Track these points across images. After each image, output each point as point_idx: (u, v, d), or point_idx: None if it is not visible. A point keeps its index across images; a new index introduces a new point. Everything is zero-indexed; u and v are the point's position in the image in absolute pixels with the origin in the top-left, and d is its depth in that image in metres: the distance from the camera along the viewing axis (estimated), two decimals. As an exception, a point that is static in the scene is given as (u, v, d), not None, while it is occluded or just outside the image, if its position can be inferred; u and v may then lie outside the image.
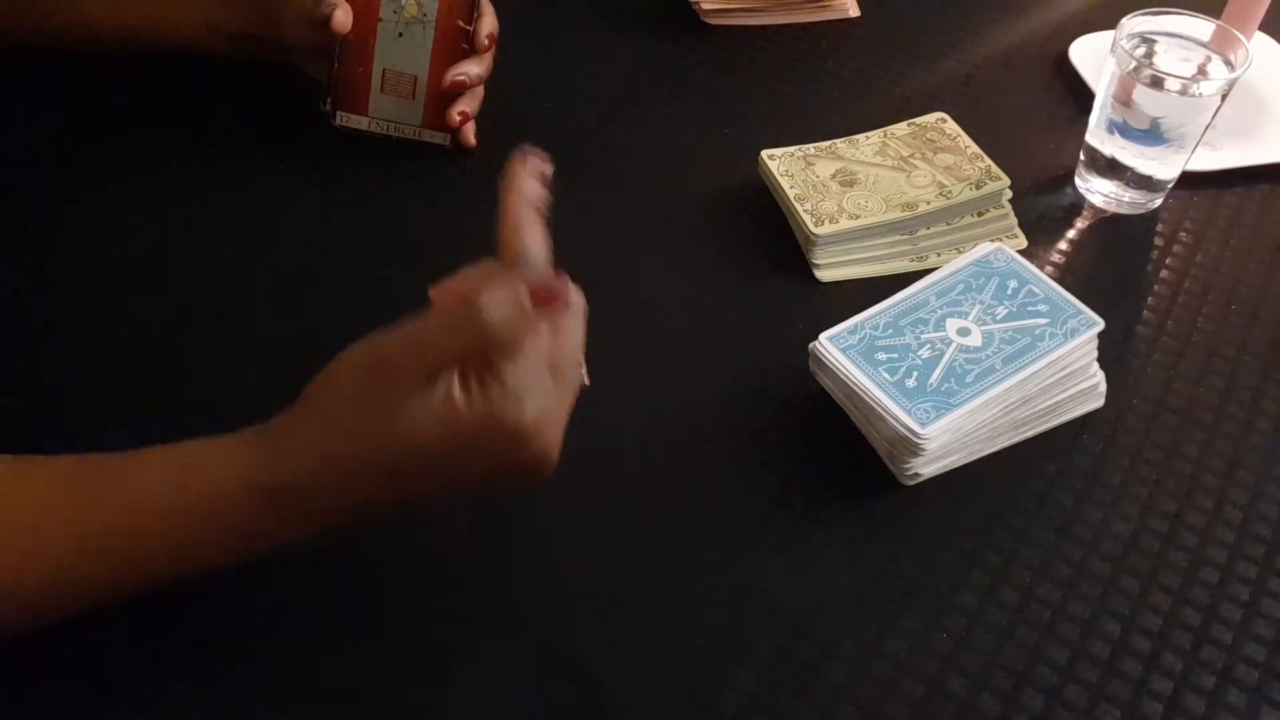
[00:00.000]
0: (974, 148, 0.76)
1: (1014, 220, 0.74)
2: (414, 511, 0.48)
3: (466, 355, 0.45)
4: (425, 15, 0.72)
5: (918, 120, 0.78)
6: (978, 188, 0.72)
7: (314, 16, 0.72)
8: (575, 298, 0.50)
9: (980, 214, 0.73)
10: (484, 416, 0.45)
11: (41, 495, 0.48)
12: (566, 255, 0.73)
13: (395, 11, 0.72)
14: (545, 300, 0.48)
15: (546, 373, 0.47)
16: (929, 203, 0.71)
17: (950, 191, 0.72)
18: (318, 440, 0.46)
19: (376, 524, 0.48)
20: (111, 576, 0.47)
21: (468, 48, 0.74)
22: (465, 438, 0.45)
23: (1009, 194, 0.73)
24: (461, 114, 0.75)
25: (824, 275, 0.71)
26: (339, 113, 0.77)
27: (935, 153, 0.75)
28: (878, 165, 0.74)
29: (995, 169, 0.73)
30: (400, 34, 0.73)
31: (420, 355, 0.45)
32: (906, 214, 0.71)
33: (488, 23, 0.75)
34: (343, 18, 0.71)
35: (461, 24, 0.72)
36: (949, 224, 0.72)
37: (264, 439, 0.47)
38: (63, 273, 0.69)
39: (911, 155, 0.75)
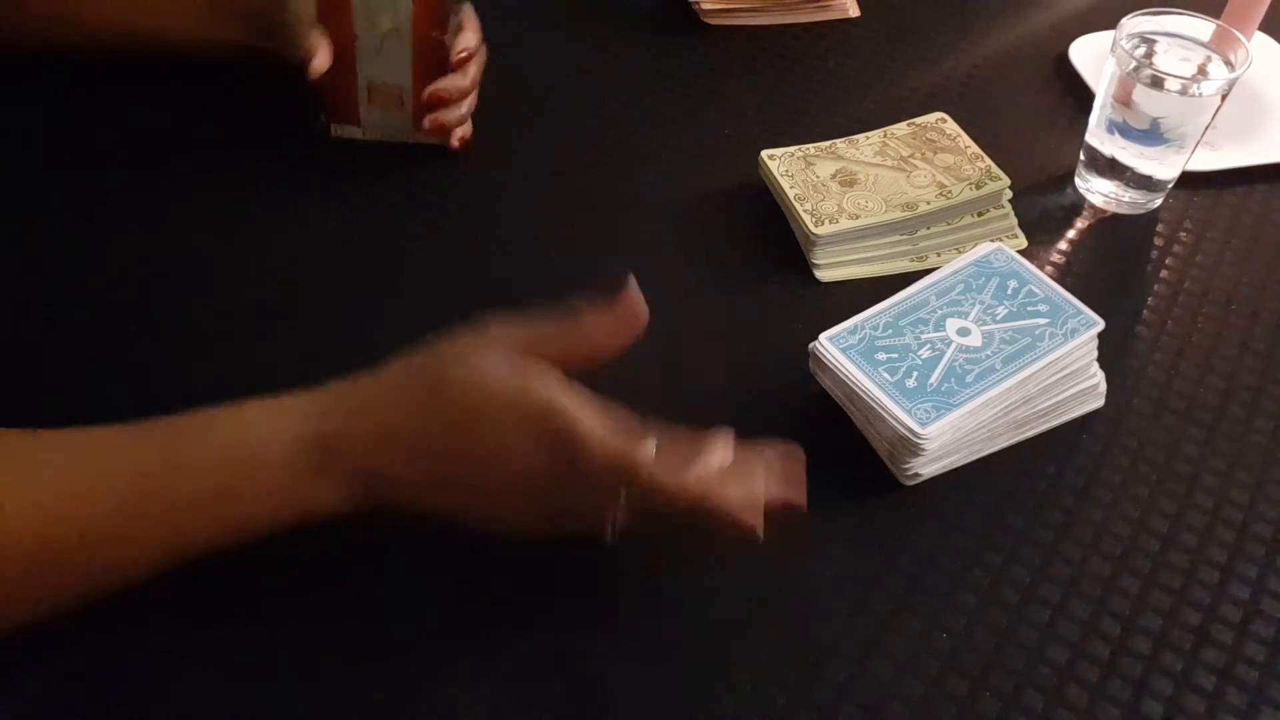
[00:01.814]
0: (974, 148, 0.76)
1: (1014, 220, 0.74)
2: (459, 514, 0.51)
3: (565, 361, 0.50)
4: (400, 28, 0.72)
5: (918, 120, 0.78)
6: (978, 188, 0.72)
7: (300, 50, 0.71)
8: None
9: (980, 214, 0.73)
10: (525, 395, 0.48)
11: (103, 459, 0.49)
12: (566, 255, 0.73)
13: (371, 26, 0.72)
14: None
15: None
16: (929, 203, 0.71)
17: (950, 191, 0.72)
18: (375, 405, 0.49)
19: (419, 516, 0.50)
20: (165, 538, 0.49)
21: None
22: (502, 404, 0.48)
23: (1009, 194, 0.73)
24: (433, 121, 0.74)
25: (824, 275, 0.71)
26: (333, 124, 0.77)
27: (935, 153, 0.75)
28: (878, 165, 0.74)
29: (995, 169, 0.74)
30: (379, 48, 0.73)
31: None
32: (906, 214, 0.71)
33: (466, 37, 0.74)
34: (319, 65, 0.71)
35: (437, 35, 0.72)
36: (949, 224, 0.72)
37: (324, 393, 0.50)
38: (60, 279, 0.69)
39: (911, 155, 0.75)
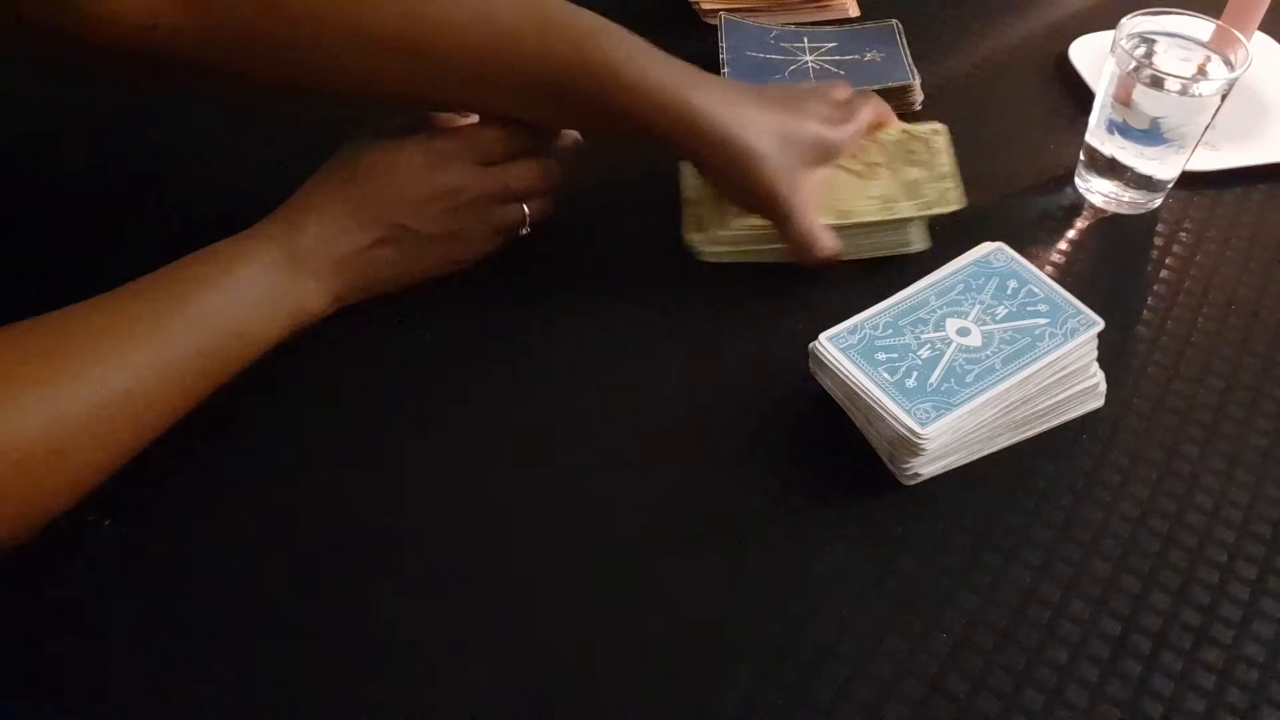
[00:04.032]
0: (949, 167, 0.72)
1: (914, 235, 0.72)
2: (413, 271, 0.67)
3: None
4: None
5: (912, 128, 0.75)
6: (924, 208, 0.69)
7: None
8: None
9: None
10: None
11: (102, 323, 0.56)
12: (566, 255, 0.73)
13: None
14: None
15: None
16: (866, 215, 0.69)
17: (893, 208, 0.69)
18: (316, 203, 0.64)
19: (388, 288, 0.67)
20: (177, 385, 0.57)
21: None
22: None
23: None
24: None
25: (705, 255, 0.72)
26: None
27: (909, 165, 0.72)
28: (842, 168, 0.71)
29: (956, 193, 0.70)
30: None
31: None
32: (836, 220, 0.68)
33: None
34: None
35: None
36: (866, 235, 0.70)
37: (281, 211, 0.64)
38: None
39: (883, 163, 0.72)
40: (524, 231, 0.70)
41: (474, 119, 0.68)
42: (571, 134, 0.72)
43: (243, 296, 0.60)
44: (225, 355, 0.59)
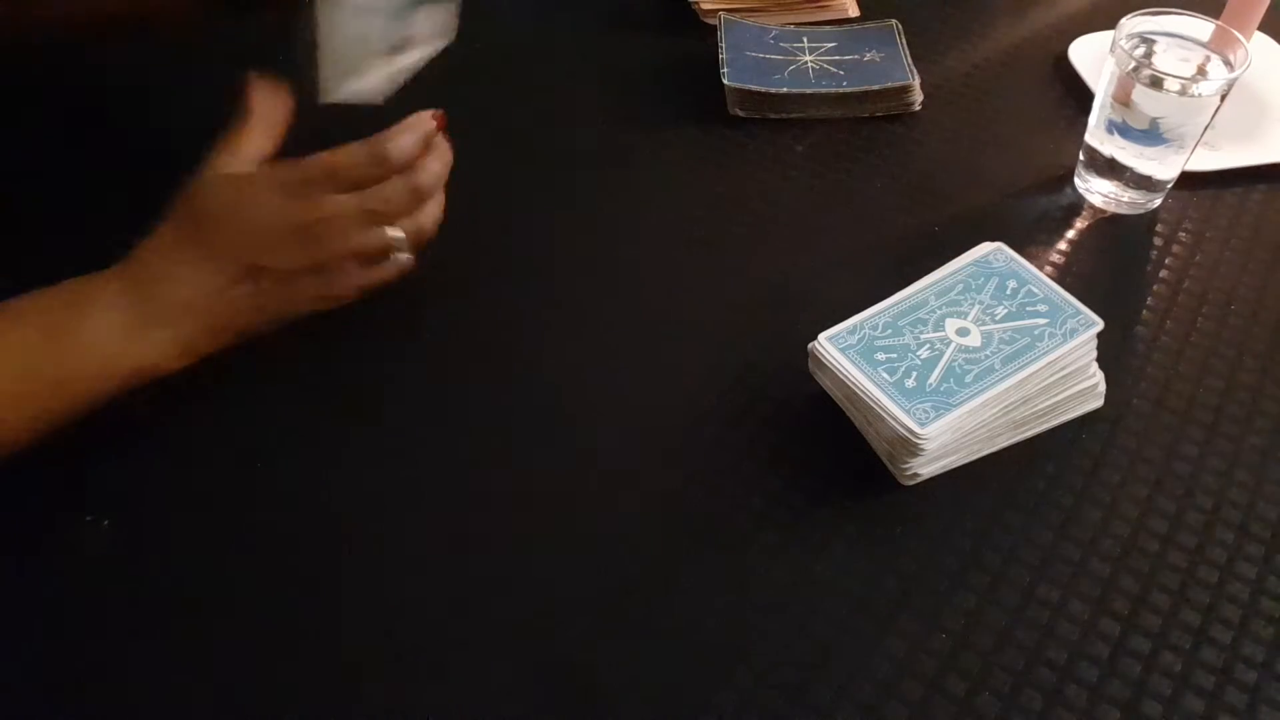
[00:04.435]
0: None
1: None
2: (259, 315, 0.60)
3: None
4: None
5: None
6: None
7: None
8: None
9: None
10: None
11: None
12: (567, 255, 0.73)
13: None
14: None
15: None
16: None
17: None
18: (174, 236, 0.59)
19: (255, 330, 0.60)
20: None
21: None
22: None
23: None
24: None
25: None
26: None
27: None
28: None
29: None
30: None
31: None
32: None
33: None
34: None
35: None
36: None
37: (134, 253, 0.59)
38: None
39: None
40: (404, 258, 0.62)
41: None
42: (441, 148, 0.64)
43: (71, 344, 0.56)
44: (38, 403, 0.55)
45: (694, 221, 0.76)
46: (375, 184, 0.61)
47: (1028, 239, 0.75)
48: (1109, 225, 0.77)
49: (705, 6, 0.93)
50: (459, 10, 0.69)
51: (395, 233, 0.61)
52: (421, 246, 0.63)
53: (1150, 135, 0.73)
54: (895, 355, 0.60)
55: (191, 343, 0.59)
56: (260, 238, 0.59)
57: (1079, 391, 0.62)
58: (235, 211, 0.60)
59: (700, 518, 0.59)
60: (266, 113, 0.63)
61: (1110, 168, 0.76)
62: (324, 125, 0.62)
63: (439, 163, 0.63)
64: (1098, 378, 0.63)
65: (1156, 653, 0.54)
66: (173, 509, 0.59)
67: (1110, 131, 0.75)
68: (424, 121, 0.62)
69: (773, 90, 0.83)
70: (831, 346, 0.61)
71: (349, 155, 0.60)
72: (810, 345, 0.62)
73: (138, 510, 0.58)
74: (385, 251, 0.62)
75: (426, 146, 0.62)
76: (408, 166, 0.61)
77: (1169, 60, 0.73)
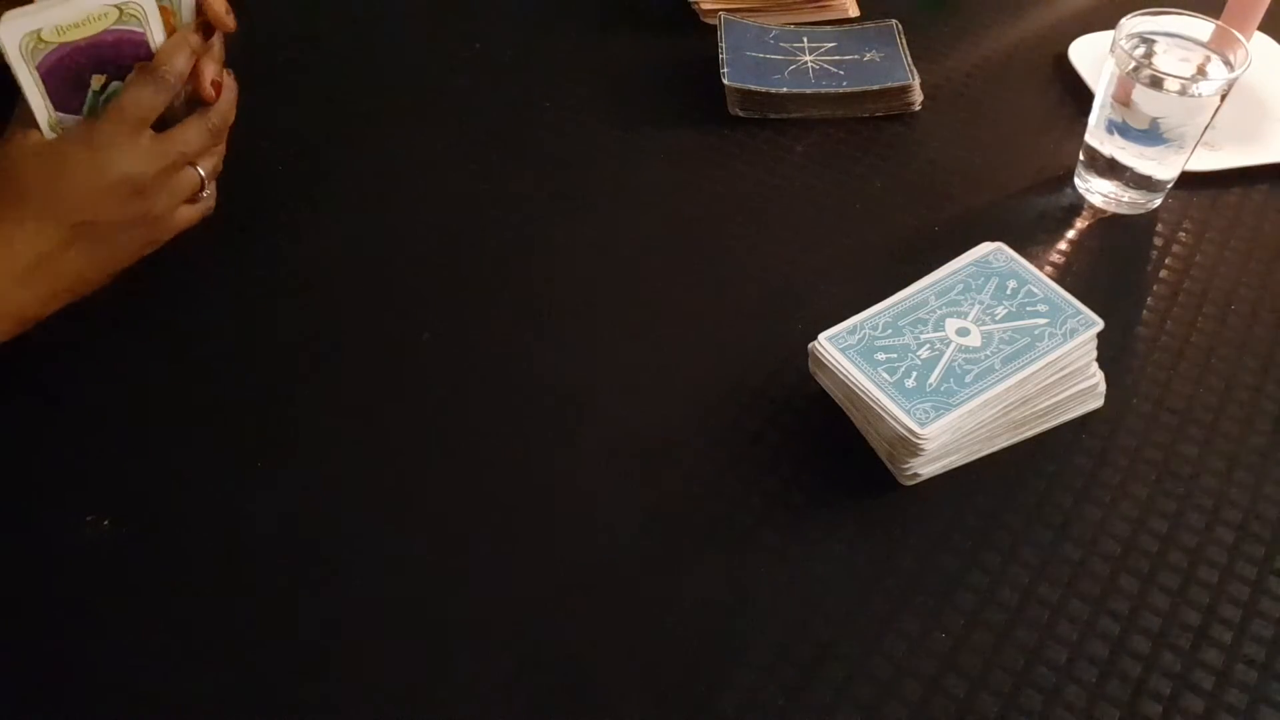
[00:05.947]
0: None
1: None
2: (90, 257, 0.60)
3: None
4: None
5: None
6: None
7: None
8: None
9: None
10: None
11: None
12: (567, 255, 0.73)
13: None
14: None
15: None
16: None
17: None
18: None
19: (88, 289, 0.61)
20: None
21: None
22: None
23: None
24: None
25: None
26: None
27: None
28: None
29: None
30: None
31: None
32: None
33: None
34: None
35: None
36: None
37: None
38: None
39: None
40: (205, 194, 0.65)
41: None
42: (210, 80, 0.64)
43: None
44: None
45: (694, 221, 0.76)
46: (159, 115, 0.61)
47: (1028, 239, 0.75)
48: (1109, 225, 0.77)
49: (705, 6, 0.93)
50: None
51: (200, 172, 0.64)
52: (213, 179, 0.65)
53: (1150, 135, 0.73)
54: (895, 355, 0.60)
55: (24, 312, 0.60)
56: (86, 198, 0.60)
57: (1079, 391, 0.63)
58: (55, 175, 0.59)
59: (700, 518, 0.59)
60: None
61: (1110, 168, 0.76)
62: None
63: (226, 102, 0.65)
64: (1098, 378, 0.63)
65: (1156, 653, 0.54)
66: (173, 509, 0.59)
67: (1110, 131, 0.75)
68: (188, 38, 0.62)
69: (773, 90, 0.83)
70: (831, 346, 0.61)
71: (133, 95, 0.60)
72: (810, 345, 0.62)
73: (139, 510, 0.58)
74: (197, 191, 0.64)
75: (206, 78, 0.63)
76: (185, 81, 0.62)
77: (1169, 60, 0.73)
